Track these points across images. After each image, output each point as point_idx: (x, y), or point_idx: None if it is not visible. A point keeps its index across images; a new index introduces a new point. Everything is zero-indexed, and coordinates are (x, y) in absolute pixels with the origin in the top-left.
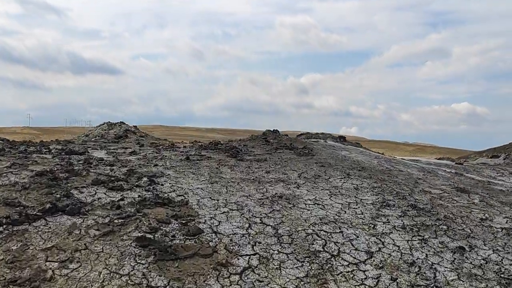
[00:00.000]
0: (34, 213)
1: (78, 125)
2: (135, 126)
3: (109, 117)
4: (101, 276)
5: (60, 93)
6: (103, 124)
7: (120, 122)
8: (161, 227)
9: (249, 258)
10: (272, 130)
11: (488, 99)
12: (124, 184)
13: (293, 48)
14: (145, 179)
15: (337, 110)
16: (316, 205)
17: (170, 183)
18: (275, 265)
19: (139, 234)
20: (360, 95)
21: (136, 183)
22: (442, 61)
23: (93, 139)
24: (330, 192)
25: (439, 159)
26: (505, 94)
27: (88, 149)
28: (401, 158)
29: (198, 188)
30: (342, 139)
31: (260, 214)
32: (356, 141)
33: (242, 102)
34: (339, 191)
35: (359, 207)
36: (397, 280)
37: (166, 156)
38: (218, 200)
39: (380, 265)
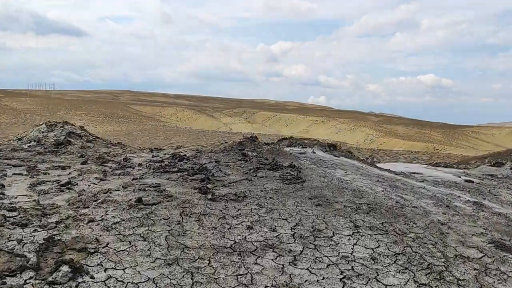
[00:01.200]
0: None
1: (41, 88)
2: (81, 127)
3: (74, 80)
4: None
5: (23, 54)
6: (41, 125)
7: (63, 122)
8: None
9: None
10: (250, 137)
11: (453, 72)
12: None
13: (264, 14)
14: (65, 268)
15: (306, 79)
16: None
17: (105, 275)
18: None
19: None
20: (329, 65)
21: (51, 278)
22: (410, 33)
23: (26, 145)
24: (341, 271)
25: (435, 164)
26: (469, 67)
27: (6, 170)
28: (395, 171)
29: (147, 280)
30: (331, 148)
31: None
32: (325, 109)
33: (212, 69)
34: (352, 268)
35: None
36: None
37: (110, 196)
38: None
39: None
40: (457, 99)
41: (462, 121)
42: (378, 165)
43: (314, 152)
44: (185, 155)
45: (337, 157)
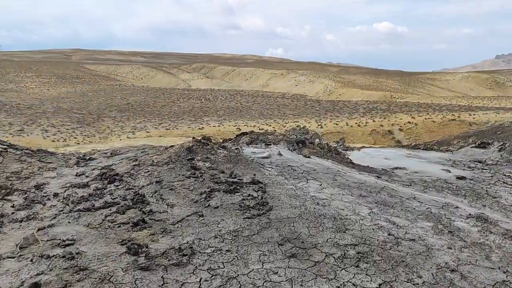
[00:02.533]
0: None
1: None
2: None
3: (22, 40)
4: None
5: None
6: None
7: None
8: None
9: None
10: (200, 139)
11: (407, 19)
12: None
13: None
14: None
15: (264, 31)
16: None
17: None
18: None
19: None
20: (286, 15)
21: None
22: None
23: None
24: None
25: (414, 147)
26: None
27: None
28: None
29: None
30: (300, 144)
31: None
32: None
33: (167, 24)
34: None
35: None
36: None
37: None
38: None
39: None
40: (412, 46)
41: (417, 68)
42: (354, 156)
43: (280, 154)
44: (117, 173)
45: (308, 157)
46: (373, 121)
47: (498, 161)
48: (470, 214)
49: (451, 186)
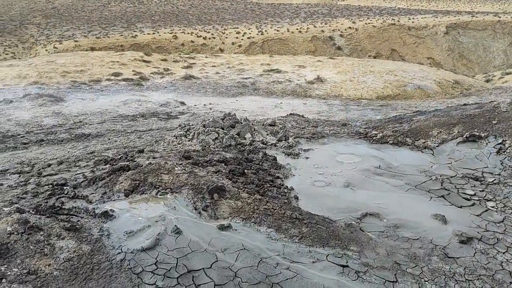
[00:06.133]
0: None
1: None
2: None
3: None
4: None
5: None
6: None
7: None
8: None
9: None
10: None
11: None
12: None
13: None
14: None
15: None
16: None
17: None
18: None
19: None
20: None
21: None
22: None
23: None
24: None
25: (382, 139)
26: None
27: None
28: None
29: None
30: (216, 194)
31: None
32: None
33: None
34: None
35: None
36: None
37: None
38: None
39: None
40: None
41: None
42: (303, 179)
43: (178, 232)
44: None
45: (225, 227)
46: (314, 26)
47: (500, 175)
48: None
49: (457, 271)
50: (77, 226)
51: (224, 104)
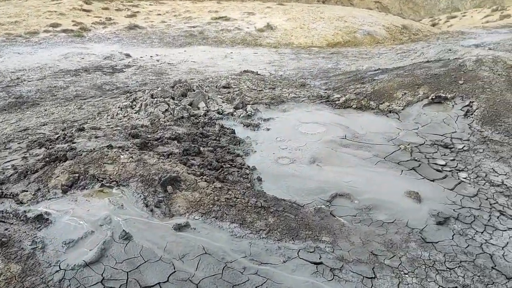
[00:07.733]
0: None
1: None
2: None
3: None
4: None
5: None
6: None
7: None
8: None
9: None
10: None
11: None
12: None
13: None
14: None
15: None
16: None
17: None
18: None
19: None
20: None
21: None
22: None
23: None
24: None
25: (343, 104)
26: None
27: None
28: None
29: None
30: (169, 186)
31: None
32: None
33: None
34: None
35: None
36: None
37: None
38: None
39: None
40: None
41: None
42: (266, 154)
43: (127, 238)
44: None
45: (181, 227)
46: None
47: (469, 140)
48: None
49: (437, 258)
50: (3, 240)
51: (172, 55)
